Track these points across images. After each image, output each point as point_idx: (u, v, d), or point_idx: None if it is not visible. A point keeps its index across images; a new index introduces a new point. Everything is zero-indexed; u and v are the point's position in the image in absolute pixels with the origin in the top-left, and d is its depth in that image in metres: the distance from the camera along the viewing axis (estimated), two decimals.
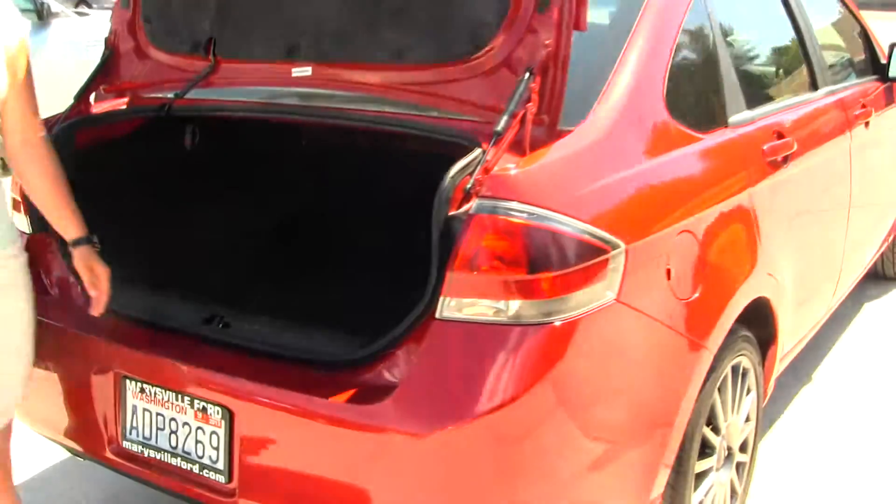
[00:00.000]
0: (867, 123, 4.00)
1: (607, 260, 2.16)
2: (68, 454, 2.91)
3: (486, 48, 2.30)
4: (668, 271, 2.38)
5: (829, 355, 4.46)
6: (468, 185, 2.07)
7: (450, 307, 2.09)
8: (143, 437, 2.50)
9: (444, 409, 2.06)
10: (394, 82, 2.44)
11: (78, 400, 2.63)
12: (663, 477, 2.49)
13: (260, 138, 3.17)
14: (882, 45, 4.57)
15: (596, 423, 2.24)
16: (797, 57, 3.65)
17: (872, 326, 4.80)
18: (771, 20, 3.68)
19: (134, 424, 2.52)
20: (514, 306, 2.06)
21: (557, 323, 2.08)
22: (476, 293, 2.07)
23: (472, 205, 2.07)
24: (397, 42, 2.43)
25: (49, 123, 2.65)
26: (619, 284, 2.20)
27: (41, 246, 2.75)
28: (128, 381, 2.51)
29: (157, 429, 2.48)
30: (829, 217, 3.67)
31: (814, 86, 3.66)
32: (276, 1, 2.63)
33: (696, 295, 2.47)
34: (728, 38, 3.10)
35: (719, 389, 2.75)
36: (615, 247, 2.18)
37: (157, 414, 2.47)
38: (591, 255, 2.13)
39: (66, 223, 2.48)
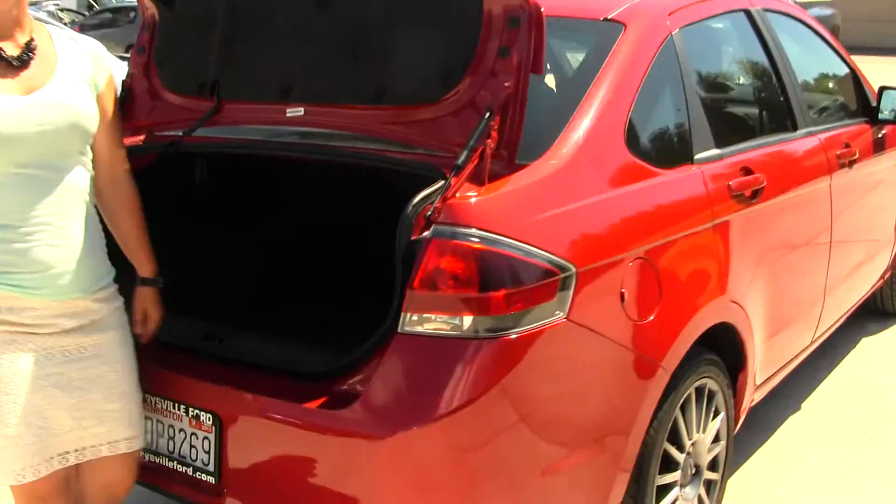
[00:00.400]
0: (851, 163, 4.17)
1: (557, 281, 2.38)
2: None
3: (454, 91, 2.55)
4: (622, 294, 2.59)
5: (821, 386, 4.61)
6: (428, 213, 2.31)
7: (411, 322, 2.32)
8: (147, 443, 2.74)
9: (401, 414, 2.29)
10: (373, 121, 2.70)
11: None
12: (621, 486, 2.69)
13: (257, 170, 3.43)
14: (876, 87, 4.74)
15: (548, 431, 2.45)
16: (774, 98, 3.85)
17: (867, 361, 4.94)
18: (747, 63, 3.89)
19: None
20: (468, 321, 2.28)
21: (507, 337, 2.30)
22: (433, 309, 2.30)
23: (431, 230, 2.30)
24: (376, 86, 2.70)
25: None
26: (570, 304, 2.42)
27: None
28: None
29: (158, 435, 2.73)
30: (808, 253, 3.84)
31: (793, 126, 3.84)
32: (272, 49, 2.91)
33: (651, 318, 2.68)
34: (699, 81, 3.31)
35: (682, 408, 2.94)
36: (565, 270, 2.40)
37: (158, 422, 2.72)
38: (540, 277, 2.35)
39: (141, 261, 2.66)
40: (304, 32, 2.84)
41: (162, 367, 2.71)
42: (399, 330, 2.33)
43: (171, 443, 2.70)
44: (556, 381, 2.44)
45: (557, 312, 2.39)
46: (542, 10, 2.47)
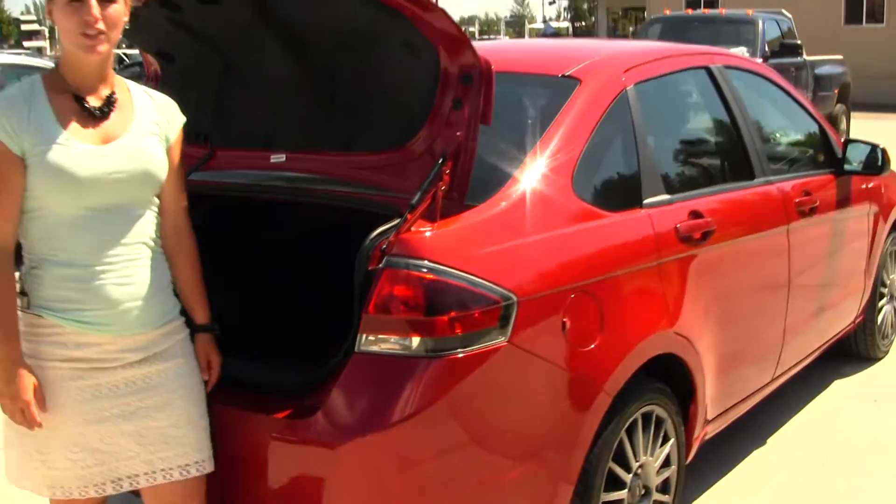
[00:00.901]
0: (812, 211, 4.44)
1: (498, 309, 2.68)
2: None
3: (414, 139, 2.88)
4: (564, 323, 2.87)
5: (788, 423, 4.84)
6: (384, 246, 2.62)
7: (367, 342, 2.62)
8: None
9: (356, 424, 2.59)
10: (345, 167, 3.03)
11: None
12: (565, 499, 2.95)
13: (244, 209, 3.73)
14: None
15: (492, 443, 2.73)
16: (731, 149, 4.15)
17: (836, 401, 5.14)
18: (704, 115, 4.19)
19: None
20: (416, 342, 2.58)
21: (452, 357, 2.60)
22: (386, 331, 2.60)
23: (385, 261, 2.61)
24: (347, 135, 3.03)
25: None
26: (511, 329, 2.71)
27: None
28: None
29: None
30: (764, 294, 4.10)
31: (750, 175, 4.13)
32: (256, 103, 3.26)
33: (592, 346, 2.96)
34: (651, 132, 3.60)
35: (629, 431, 3.21)
36: (506, 299, 2.70)
37: None
38: (482, 304, 2.65)
39: (196, 309, 2.77)
40: (285, 86, 3.18)
41: None
42: (356, 349, 2.63)
43: None
44: (498, 397, 2.72)
45: (499, 337, 2.69)
46: (493, 68, 2.79)
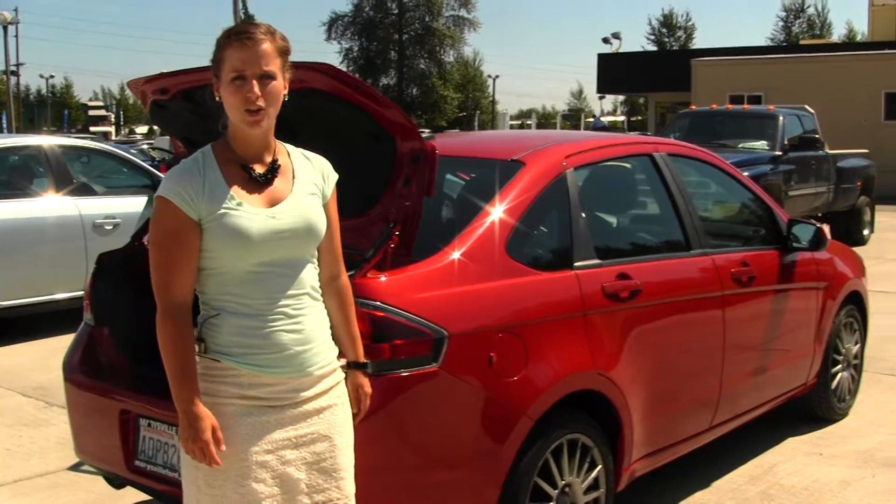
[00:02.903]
0: (750, 281, 5.09)
1: (431, 340, 3.40)
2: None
3: (375, 208, 3.63)
4: (491, 357, 3.57)
5: (735, 471, 5.40)
6: None
7: None
8: (148, 457, 3.77)
9: None
10: None
11: (106, 432, 3.94)
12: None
13: None
14: None
15: (425, 448, 3.43)
16: (667, 223, 4.83)
17: (784, 456, 5.67)
18: (642, 194, 4.89)
19: (143, 448, 3.81)
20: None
21: (392, 376, 3.31)
22: None
23: None
24: None
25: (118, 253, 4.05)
26: (442, 357, 3.42)
27: (97, 336, 4.14)
28: (141, 419, 3.81)
29: (156, 450, 3.76)
30: (696, 350, 4.73)
31: (687, 247, 4.81)
32: None
33: (516, 377, 3.64)
34: (587, 208, 4.32)
35: (555, 453, 3.85)
36: (438, 333, 3.41)
37: (156, 440, 3.75)
38: (416, 336, 3.37)
39: (347, 348, 2.97)
40: None
41: (159, 399, 3.74)
42: None
43: (164, 455, 3.72)
44: (430, 411, 3.43)
45: (432, 362, 3.40)
46: (437, 150, 3.54)
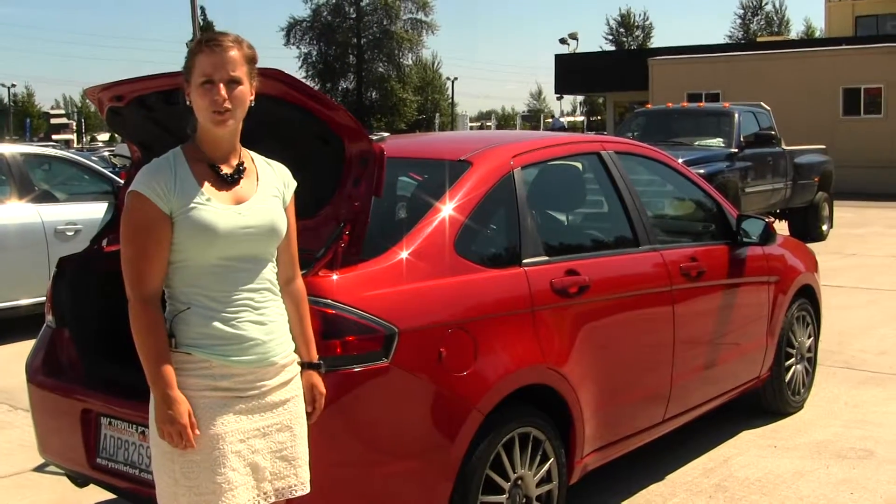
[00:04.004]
0: (700, 275, 5.21)
1: (381, 336, 3.48)
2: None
3: (325, 209, 3.72)
4: (440, 352, 3.66)
5: (689, 465, 5.50)
6: None
7: None
8: (109, 455, 3.84)
9: None
10: None
11: (69, 431, 4.00)
12: (444, 493, 3.69)
13: None
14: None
15: (378, 440, 3.52)
16: (614, 220, 4.95)
17: (738, 448, 5.79)
18: (589, 192, 5.00)
19: (104, 446, 3.87)
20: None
21: (344, 371, 3.39)
22: None
23: None
24: None
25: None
26: (393, 353, 3.50)
27: (59, 337, 4.20)
28: (102, 418, 3.88)
29: (117, 448, 3.83)
30: (646, 344, 4.83)
31: (635, 243, 4.92)
32: None
33: (465, 372, 3.74)
34: (534, 206, 4.42)
35: (507, 447, 3.94)
36: (388, 329, 3.50)
37: (117, 437, 3.82)
38: (366, 332, 3.46)
39: (302, 347, 3.09)
40: None
41: (119, 398, 3.82)
42: None
43: (125, 453, 3.79)
44: (382, 404, 3.52)
45: (383, 358, 3.48)
46: (385, 152, 3.63)
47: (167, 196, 2.80)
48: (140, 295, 2.80)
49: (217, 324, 2.82)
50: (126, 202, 2.86)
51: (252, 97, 2.91)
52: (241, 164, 2.94)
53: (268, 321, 2.92)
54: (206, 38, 2.87)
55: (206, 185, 2.86)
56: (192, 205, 2.81)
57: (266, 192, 2.97)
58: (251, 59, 2.90)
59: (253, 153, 3.04)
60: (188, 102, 2.88)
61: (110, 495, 4.36)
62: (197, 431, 2.78)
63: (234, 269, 2.86)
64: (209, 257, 2.83)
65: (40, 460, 4.87)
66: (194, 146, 2.92)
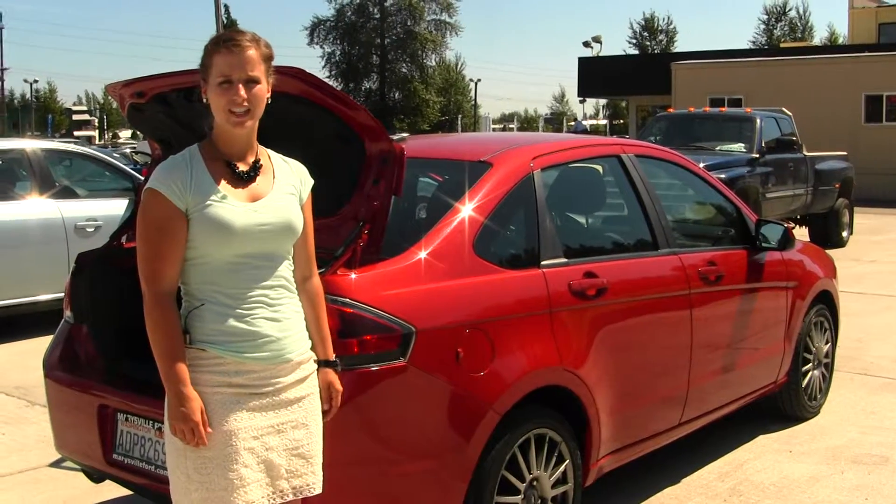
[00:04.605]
0: (718, 279, 5.20)
1: (398, 336, 3.49)
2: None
3: (344, 207, 3.73)
4: (458, 352, 3.67)
5: (705, 468, 5.51)
6: None
7: None
8: (125, 451, 3.86)
9: None
10: None
11: (85, 427, 4.02)
12: (460, 494, 3.70)
13: None
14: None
15: (394, 439, 3.52)
16: (634, 223, 4.94)
17: (754, 453, 5.79)
18: (609, 195, 4.99)
19: (120, 442, 3.89)
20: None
21: (362, 370, 3.40)
22: None
23: None
24: None
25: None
26: (410, 353, 3.51)
27: (77, 333, 4.23)
28: (119, 413, 3.90)
29: (133, 444, 3.84)
30: (663, 347, 4.83)
31: (654, 246, 4.91)
32: None
33: (483, 372, 3.74)
34: (554, 208, 4.43)
35: (522, 447, 3.95)
36: (406, 329, 3.51)
37: (133, 434, 3.84)
38: (384, 331, 3.46)
39: (318, 345, 3.08)
40: None
41: (136, 394, 3.84)
42: None
43: (141, 449, 3.81)
44: (398, 403, 3.52)
45: (400, 357, 3.49)
46: (405, 151, 3.64)
47: (183, 193, 2.81)
48: (155, 291, 2.81)
49: (231, 320, 2.83)
50: (142, 199, 2.87)
51: (269, 95, 2.91)
52: (257, 161, 2.95)
53: (283, 318, 2.91)
54: (224, 38, 2.87)
55: (223, 182, 2.87)
56: (208, 202, 2.82)
57: (282, 190, 2.97)
58: (268, 58, 2.91)
59: (270, 151, 3.04)
60: (205, 100, 2.90)
61: (126, 491, 4.37)
62: (209, 429, 2.79)
63: (249, 266, 2.86)
64: (225, 254, 2.83)
65: (57, 456, 4.89)
66: (211, 144, 2.93)
